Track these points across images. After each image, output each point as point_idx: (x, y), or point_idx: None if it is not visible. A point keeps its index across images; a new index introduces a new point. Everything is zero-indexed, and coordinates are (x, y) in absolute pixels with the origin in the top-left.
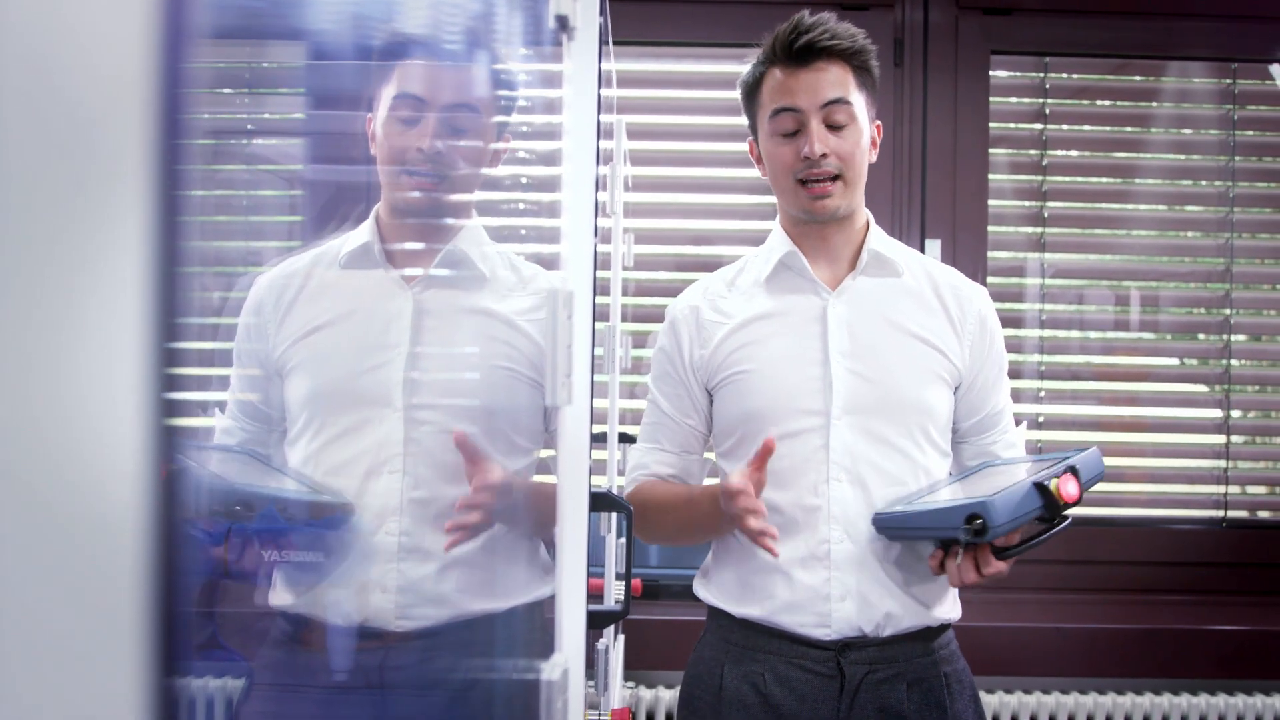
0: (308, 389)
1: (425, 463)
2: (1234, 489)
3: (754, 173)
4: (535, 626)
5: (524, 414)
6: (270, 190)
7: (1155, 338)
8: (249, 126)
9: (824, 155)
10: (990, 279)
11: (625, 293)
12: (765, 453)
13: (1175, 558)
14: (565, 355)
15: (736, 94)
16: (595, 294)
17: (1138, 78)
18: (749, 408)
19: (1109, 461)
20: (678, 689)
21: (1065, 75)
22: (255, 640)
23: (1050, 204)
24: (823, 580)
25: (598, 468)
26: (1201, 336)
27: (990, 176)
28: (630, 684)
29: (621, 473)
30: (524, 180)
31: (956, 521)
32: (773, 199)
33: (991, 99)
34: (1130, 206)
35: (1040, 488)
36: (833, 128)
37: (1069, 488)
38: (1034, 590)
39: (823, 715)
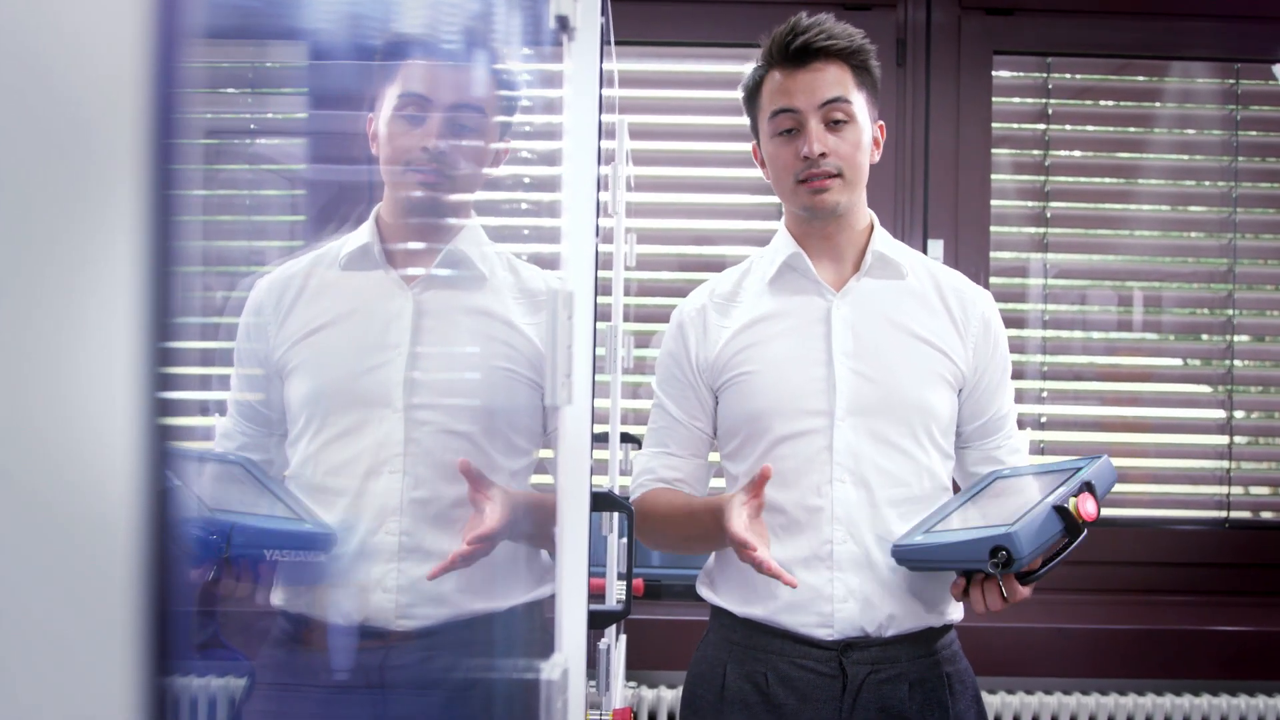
0: (308, 389)
1: (425, 462)
2: (1237, 490)
3: (757, 172)
4: (536, 626)
5: (523, 414)
6: (271, 190)
7: (1158, 338)
8: (252, 126)
9: (823, 155)
10: (993, 279)
11: (628, 293)
12: (761, 480)
13: (1178, 558)
14: (565, 355)
15: (739, 94)
16: (597, 294)
17: (1140, 78)
18: (753, 408)
19: (1113, 462)
20: (679, 689)
21: (1068, 75)
22: (256, 640)
23: (1053, 204)
24: (825, 581)
25: (599, 468)
26: (1204, 337)
27: (993, 177)
28: (632, 684)
29: (623, 473)
30: (526, 180)
31: (981, 554)
32: (776, 199)
33: (994, 99)
34: (1133, 207)
35: (1060, 511)
36: (832, 126)
37: (1088, 507)
38: (1036, 590)
39: (825, 715)
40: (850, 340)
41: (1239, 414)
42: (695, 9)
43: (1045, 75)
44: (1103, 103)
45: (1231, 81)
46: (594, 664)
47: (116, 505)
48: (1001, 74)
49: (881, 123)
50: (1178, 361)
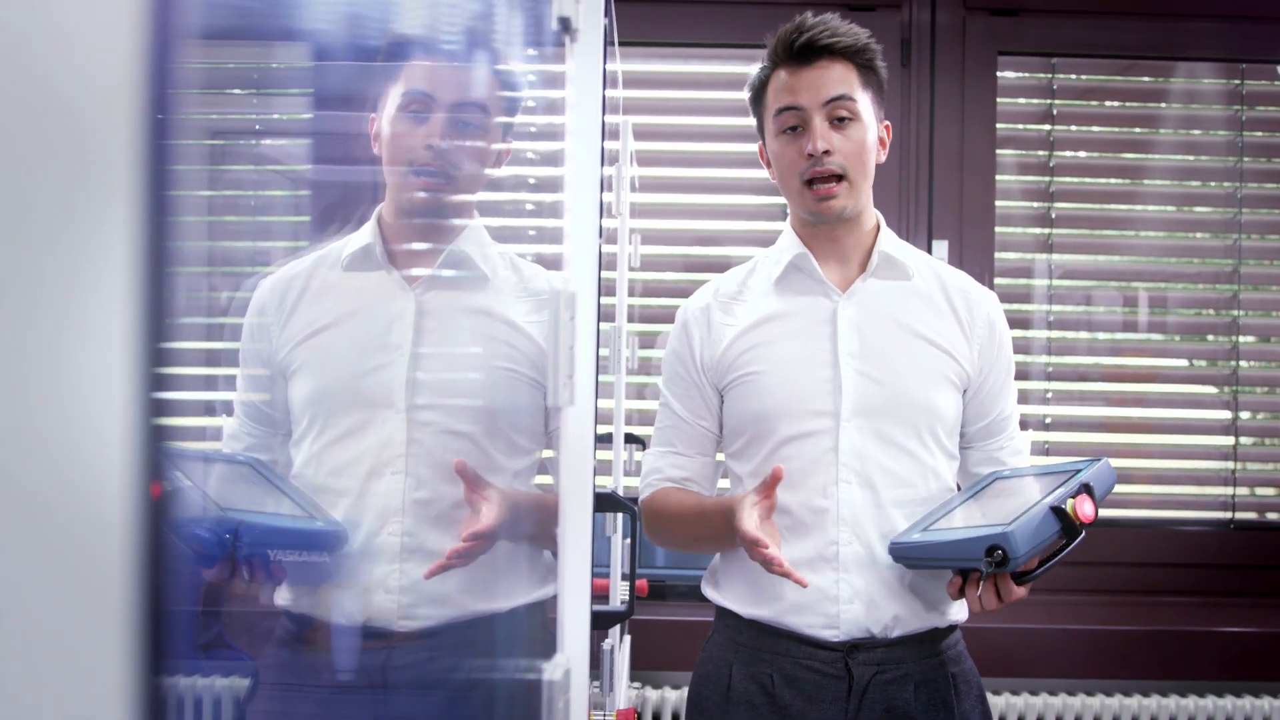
0: (310, 390)
1: (427, 463)
2: (1242, 491)
3: (762, 173)
4: (539, 626)
5: (525, 414)
6: (274, 191)
7: (1163, 339)
8: (257, 127)
9: (826, 152)
10: (997, 280)
11: (632, 293)
12: (773, 481)
13: (1183, 559)
14: (568, 356)
15: (745, 95)
16: (600, 295)
17: (1145, 79)
18: (758, 409)
19: (1116, 463)
20: (684, 689)
21: (1073, 76)
22: (260, 640)
23: (1057, 205)
24: (831, 582)
25: (603, 468)
26: (1210, 338)
27: (997, 177)
28: (637, 684)
29: (628, 474)
30: (531, 181)
31: (977, 553)
32: (781, 200)
33: (999, 100)
34: (1138, 207)
35: (1058, 512)
36: (837, 124)
37: (1085, 508)
38: (1041, 592)
39: (830, 716)
40: (856, 341)
41: (1244, 415)
42: (700, 10)
43: (1050, 76)
44: (1107, 103)
45: (1236, 82)
46: (598, 664)
47: (111, 505)
48: (1006, 74)
49: (887, 123)
50: (1183, 362)
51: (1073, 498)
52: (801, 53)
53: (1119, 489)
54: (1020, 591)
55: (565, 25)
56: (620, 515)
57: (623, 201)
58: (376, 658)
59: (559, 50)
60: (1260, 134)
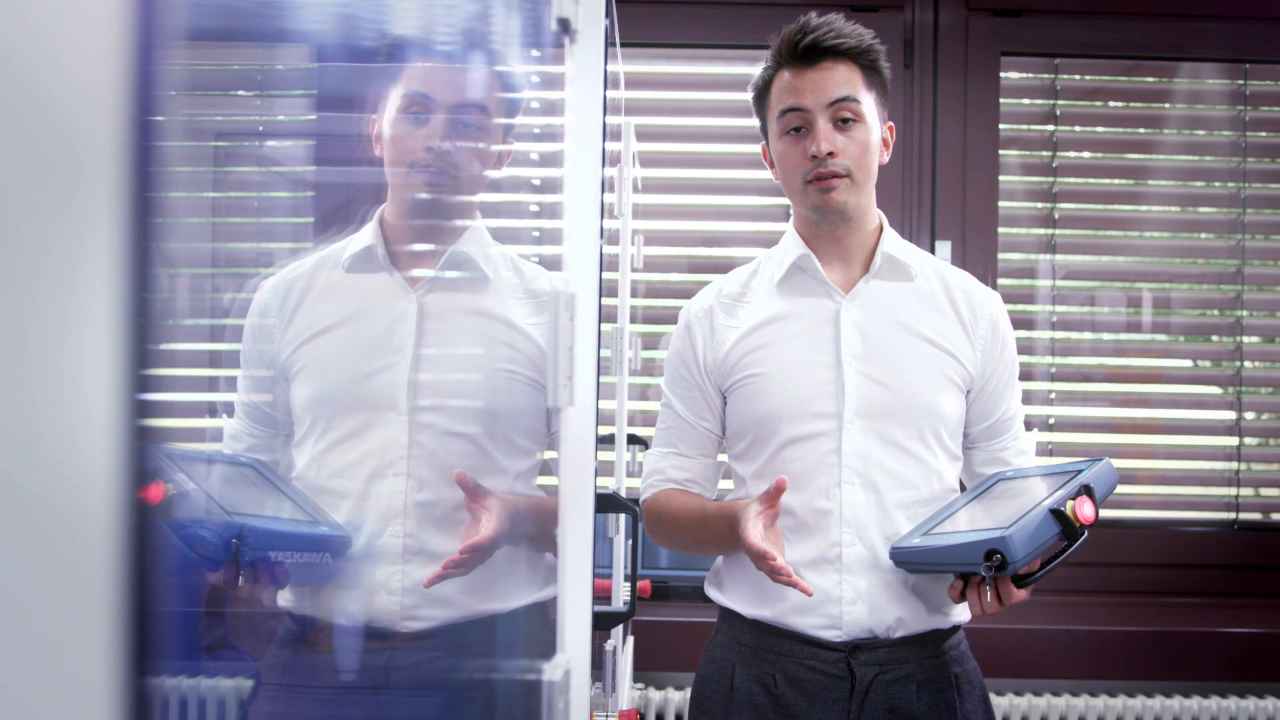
0: (313, 392)
1: (429, 465)
2: (1246, 491)
3: (766, 174)
4: (541, 627)
5: (527, 416)
6: (275, 192)
7: (1167, 340)
8: (260, 128)
9: (830, 154)
10: (1001, 281)
11: (635, 295)
12: (777, 492)
13: (1187, 560)
14: (567, 357)
15: (748, 96)
16: (601, 296)
17: (1149, 79)
18: (761, 411)
19: (1120, 464)
20: (688, 690)
21: (1076, 76)
22: (263, 641)
23: (1061, 205)
24: (834, 583)
25: (606, 469)
26: (1214, 338)
27: (1001, 178)
28: (640, 685)
29: (630, 474)
30: (535, 182)
31: (976, 557)
32: (784, 200)
33: (1002, 100)
34: (1142, 208)
35: (1057, 514)
36: (840, 125)
37: (1085, 510)
38: (1045, 592)
39: (833, 716)
40: (859, 343)
41: (1248, 415)
42: (703, 11)
43: (1053, 76)
44: (1111, 104)
45: (1240, 82)
46: (600, 665)
47: (96, 506)
48: (1009, 75)
49: (891, 124)
50: (1187, 363)
51: (1072, 499)
52: (806, 54)
53: (1123, 490)
54: (1021, 594)
55: (564, 26)
56: (622, 516)
57: (625, 202)
58: (379, 659)
59: (559, 51)
60: (1264, 134)
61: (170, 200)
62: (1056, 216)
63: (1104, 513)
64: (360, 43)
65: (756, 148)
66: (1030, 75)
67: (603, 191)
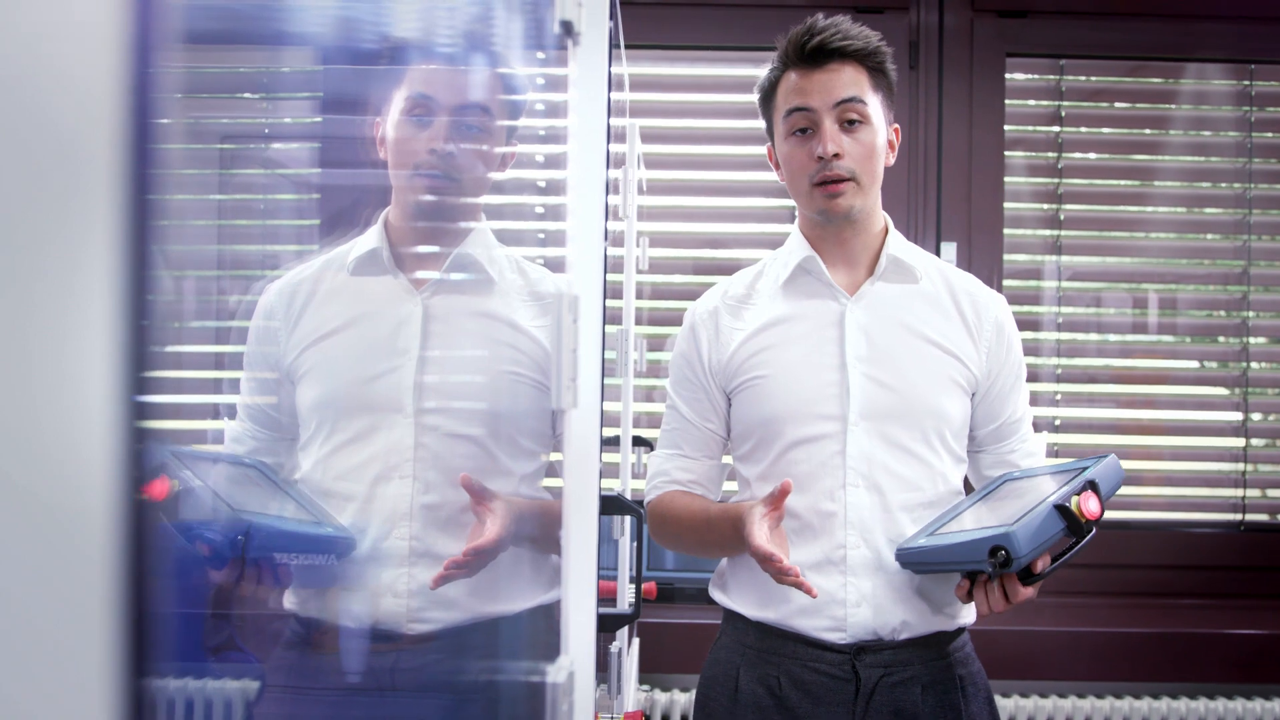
0: (319, 394)
1: (435, 468)
2: (1252, 492)
3: (772, 176)
4: (548, 629)
5: (533, 418)
6: (278, 195)
7: (1173, 341)
8: (266, 131)
9: (837, 155)
10: (1006, 282)
11: (641, 296)
12: (782, 494)
13: (1193, 561)
14: (570, 359)
15: (754, 97)
16: (606, 297)
17: (1154, 80)
18: (766, 413)
19: (1126, 465)
20: (693, 692)
21: (1081, 78)
22: (268, 642)
23: (1066, 207)
24: (838, 585)
25: (611, 471)
26: (1220, 339)
27: (1006, 179)
28: (645, 687)
29: (635, 476)
30: (541, 184)
31: (980, 555)
32: (790, 202)
33: (1007, 101)
34: (1147, 209)
35: (1061, 510)
36: (847, 127)
37: (1090, 505)
38: (1050, 594)
39: (838, 718)
40: (864, 345)
41: (1255, 416)
42: (709, 12)
43: (1058, 77)
44: (1116, 105)
45: (1246, 83)
46: (605, 667)
47: (93, 508)
48: (1015, 76)
49: (896, 125)
50: (1193, 364)
51: (1077, 495)
52: (813, 55)
53: (1129, 491)
54: (1028, 592)
55: (567, 29)
56: (627, 518)
57: (630, 204)
58: (385, 661)
59: (563, 53)
60: (1270, 135)
61: (172, 202)
62: (1062, 218)
63: (1110, 514)
64: (364, 45)
65: (762, 149)
66: (1035, 76)
67: (607, 193)
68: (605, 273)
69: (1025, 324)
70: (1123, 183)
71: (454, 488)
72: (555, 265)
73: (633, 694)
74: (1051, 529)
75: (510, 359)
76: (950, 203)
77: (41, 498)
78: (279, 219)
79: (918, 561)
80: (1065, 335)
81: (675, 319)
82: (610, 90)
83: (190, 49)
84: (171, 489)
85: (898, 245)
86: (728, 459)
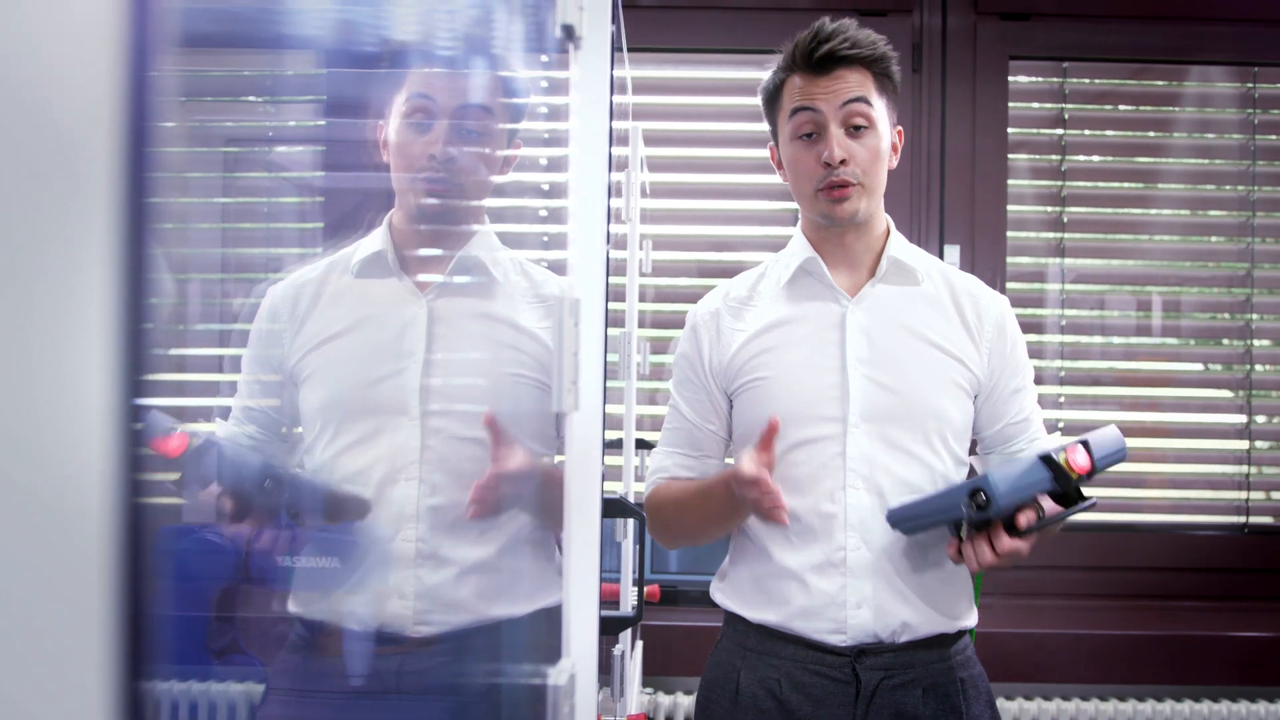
0: (324, 397)
1: (441, 470)
2: (1256, 495)
3: (775, 178)
4: (552, 632)
5: (538, 420)
6: (282, 197)
7: (1177, 343)
8: (270, 134)
9: (843, 161)
10: (1010, 284)
11: (645, 299)
12: (770, 433)
13: (1196, 563)
14: (572, 362)
15: (758, 100)
16: (608, 300)
17: (1158, 82)
18: (766, 414)
19: (1130, 468)
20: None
21: (1085, 80)
22: (273, 645)
23: (1070, 209)
24: (839, 587)
25: (613, 474)
26: (1224, 341)
27: (1009, 182)
28: (649, 690)
29: (638, 479)
30: (545, 187)
31: (960, 499)
32: (794, 205)
33: (1010, 104)
34: (1151, 211)
35: (1047, 460)
36: (852, 132)
37: (1078, 458)
38: (1054, 596)
39: None
40: (864, 347)
41: (1259, 419)
42: (713, 15)
43: (1062, 80)
44: (1120, 107)
45: (1249, 85)
46: (608, 670)
47: (92, 510)
48: (1018, 79)
49: (900, 128)
50: (1197, 366)
51: (1065, 450)
52: (820, 62)
53: (1133, 493)
54: (1014, 544)
55: (569, 33)
56: (630, 521)
57: (633, 207)
58: (391, 663)
59: (565, 57)
60: (1273, 137)
61: (175, 205)
62: (1065, 220)
63: (1114, 516)
64: (367, 48)
65: (766, 152)
66: (1039, 79)
67: (609, 196)
68: (608, 275)
69: (1029, 327)
70: (1126, 185)
71: (460, 489)
72: (558, 268)
73: (636, 696)
74: (1034, 477)
75: (515, 361)
76: (954, 206)
77: (39, 499)
78: (283, 222)
79: (905, 519)
80: (1069, 338)
81: (678, 322)
82: (612, 93)
83: (194, 53)
84: (189, 444)
85: (899, 247)
86: (730, 461)
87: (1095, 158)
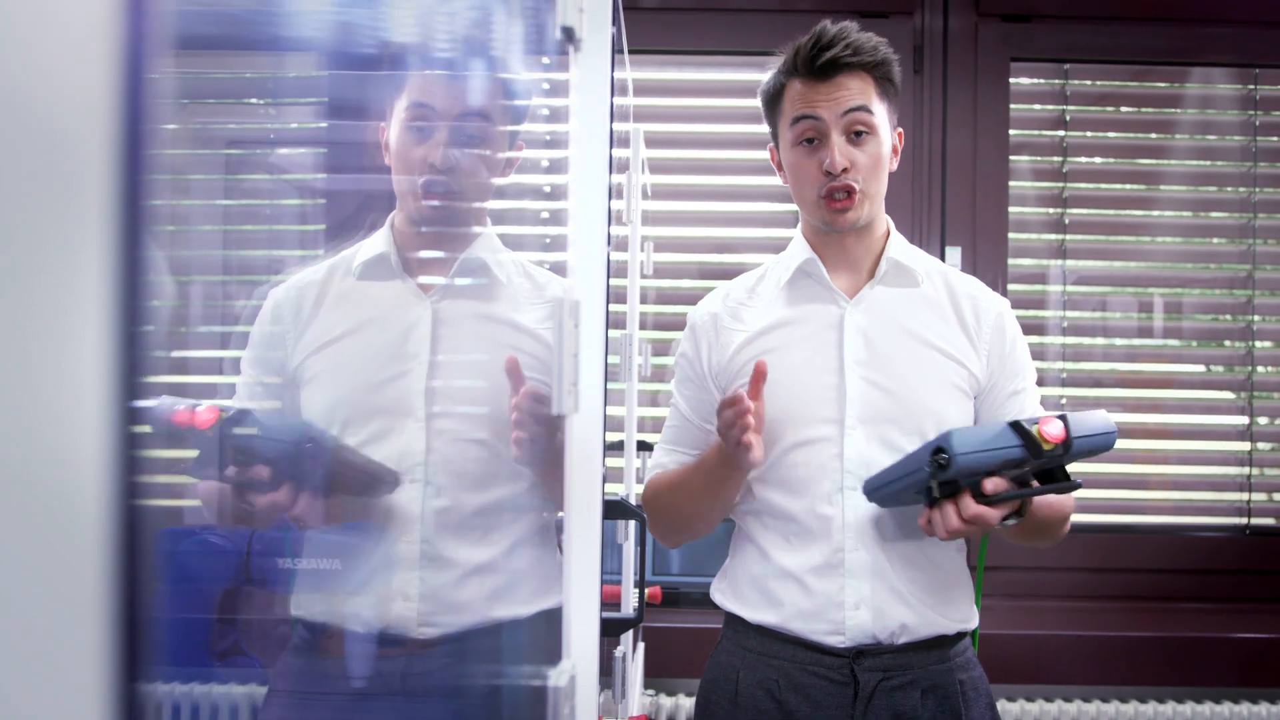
0: (328, 399)
1: (446, 471)
2: (1258, 496)
3: (777, 180)
4: (557, 633)
5: None
6: (282, 200)
7: (1178, 344)
8: (271, 136)
9: (845, 169)
10: (1011, 286)
11: (646, 301)
12: (758, 376)
13: (1198, 565)
14: (572, 364)
15: (758, 99)
16: (609, 302)
17: (1159, 84)
18: (764, 415)
19: (1132, 469)
20: None
21: (1086, 82)
22: (276, 647)
23: (1071, 211)
24: (837, 588)
25: (615, 476)
26: (1226, 343)
27: (1011, 183)
28: (651, 692)
29: (639, 481)
30: (546, 189)
31: (924, 459)
32: (795, 206)
33: (1011, 106)
34: (1153, 213)
35: (1017, 426)
36: (854, 139)
37: (1051, 428)
38: (1055, 597)
39: None
40: (862, 348)
41: (1261, 420)
42: (714, 17)
43: (1063, 82)
44: (1121, 109)
45: (1250, 87)
46: (609, 671)
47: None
48: (1019, 81)
49: (900, 130)
50: (1199, 368)
51: (1038, 420)
52: (823, 69)
53: (1134, 494)
54: (978, 510)
55: (569, 35)
56: (631, 522)
57: (634, 209)
58: (395, 665)
59: (565, 59)
60: (1275, 139)
61: (176, 207)
62: (1067, 222)
63: (1115, 518)
64: (368, 50)
65: (767, 154)
66: (1040, 81)
67: (610, 198)
68: (608, 277)
69: (1030, 328)
70: (1127, 187)
71: (465, 491)
72: (559, 270)
73: (637, 698)
74: (1002, 442)
75: (520, 362)
76: (955, 207)
77: (35, 501)
78: (284, 224)
79: (876, 487)
80: (1070, 339)
81: (680, 323)
82: (613, 95)
83: (195, 55)
84: (221, 415)
85: (899, 249)
86: None
87: (1097, 159)
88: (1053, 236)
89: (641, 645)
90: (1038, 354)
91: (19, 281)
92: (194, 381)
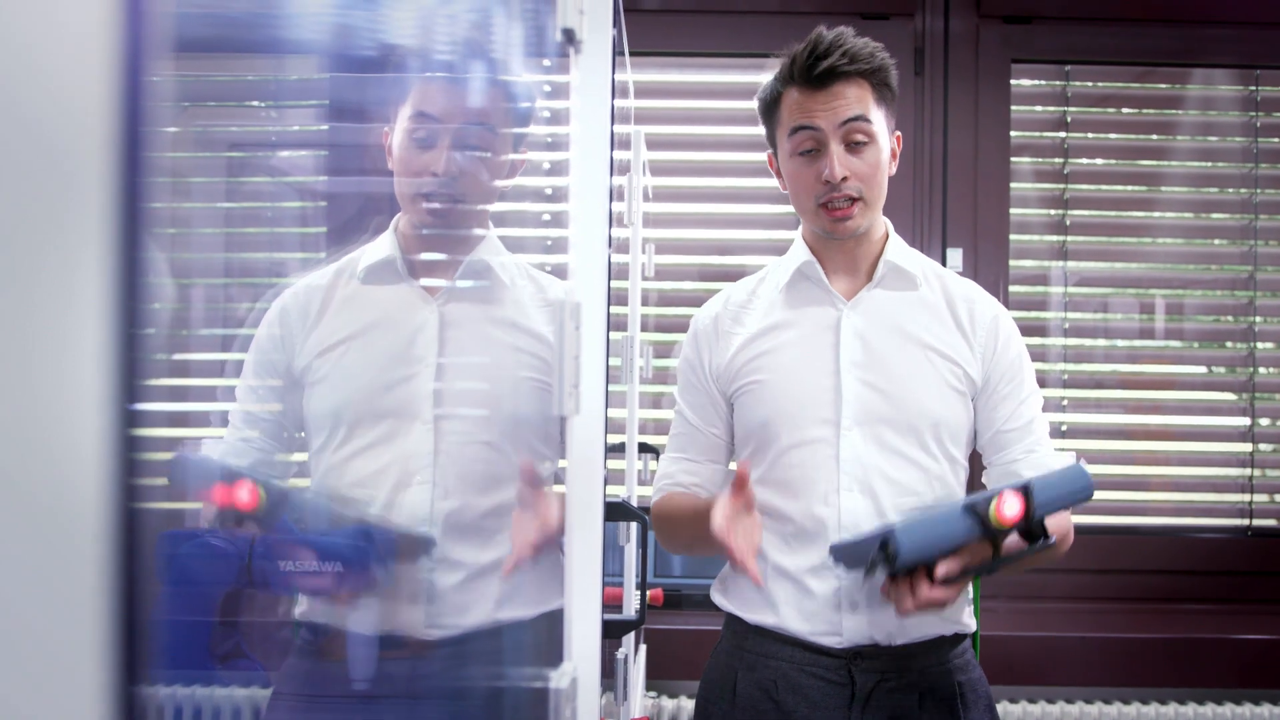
0: (334, 402)
1: (453, 473)
2: (1260, 497)
3: (777, 182)
4: (560, 635)
5: (549, 423)
6: (284, 202)
7: (1180, 346)
8: (273, 139)
9: (844, 179)
10: (1013, 287)
11: (648, 303)
12: (740, 481)
13: (1200, 566)
14: (573, 366)
15: (755, 104)
16: (610, 304)
17: (1161, 85)
18: (762, 417)
19: (1134, 470)
20: None
21: (1087, 83)
22: (280, 650)
23: (1073, 212)
24: (834, 590)
25: (616, 478)
26: (1227, 344)
27: (1012, 185)
28: (653, 693)
29: (641, 483)
30: (549, 192)
31: (873, 549)
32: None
33: (1012, 107)
34: (1154, 214)
35: (970, 510)
36: (852, 147)
37: (1008, 509)
38: (1057, 599)
39: None
40: (859, 350)
41: (1263, 421)
42: (715, 19)
43: (1064, 83)
44: (1122, 110)
45: (1251, 88)
46: (611, 673)
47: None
48: (1020, 82)
49: (899, 133)
50: (1200, 369)
51: (995, 498)
52: (820, 78)
53: (1136, 496)
54: (929, 594)
55: (569, 37)
56: (633, 524)
57: (636, 211)
58: (402, 666)
59: (566, 61)
60: (1276, 140)
61: (175, 210)
62: (1068, 223)
63: (1117, 519)
64: (370, 53)
65: (766, 158)
66: (1041, 82)
67: (610, 200)
68: (609, 279)
69: (1031, 330)
70: (1129, 188)
71: (473, 493)
72: (560, 272)
73: (639, 700)
74: (951, 529)
75: (526, 364)
76: (956, 209)
77: (35, 503)
78: (286, 226)
79: (839, 558)
80: (1072, 341)
81: (682, 325)
82: (614, 97)
83: (197, 57)
84: (260, 499)
85: (897, 252)
86: (734, 465)
87: (1098, 161)
88: (1054, 238)
89: (643, 647)
90: (1038, 355)
91: (19, 283)
92: (196, 384)
